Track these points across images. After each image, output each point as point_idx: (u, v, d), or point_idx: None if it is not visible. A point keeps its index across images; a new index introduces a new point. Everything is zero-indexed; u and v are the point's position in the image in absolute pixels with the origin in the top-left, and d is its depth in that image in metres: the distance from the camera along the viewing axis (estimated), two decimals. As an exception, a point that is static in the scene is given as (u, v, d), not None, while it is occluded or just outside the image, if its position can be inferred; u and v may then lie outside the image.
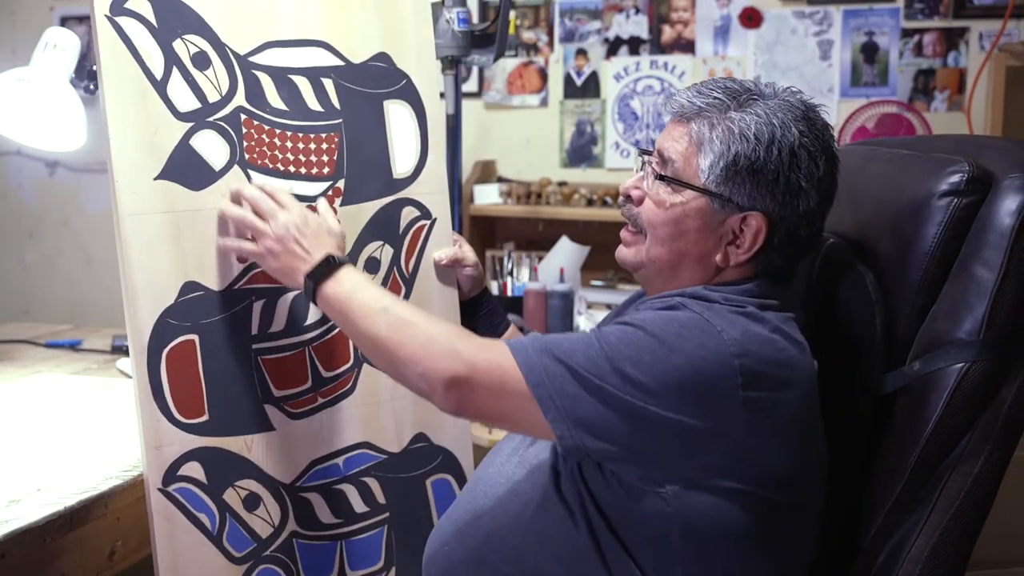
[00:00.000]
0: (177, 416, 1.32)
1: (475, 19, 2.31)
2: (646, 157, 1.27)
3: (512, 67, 3.51)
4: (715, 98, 1.18)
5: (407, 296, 1.52)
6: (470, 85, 3.50)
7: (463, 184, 2.51)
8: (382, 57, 1.50)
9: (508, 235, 3.48)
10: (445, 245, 1.55)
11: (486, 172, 3.46)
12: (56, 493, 1.29)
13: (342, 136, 1.46)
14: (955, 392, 1.07)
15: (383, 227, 1.50)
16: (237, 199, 1.34)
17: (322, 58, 1.45)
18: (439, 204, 1.55)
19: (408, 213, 1.52)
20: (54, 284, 4.00)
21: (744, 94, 1.18)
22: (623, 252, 1.28)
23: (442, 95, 2.20)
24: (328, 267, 1.27)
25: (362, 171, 1.48)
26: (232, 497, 1.36)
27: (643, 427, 1.07)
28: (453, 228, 2.19)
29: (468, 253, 1.57)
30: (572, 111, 3.47)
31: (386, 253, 1.50)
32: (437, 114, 1.55)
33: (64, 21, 3.78)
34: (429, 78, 1.55)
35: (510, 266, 2.59)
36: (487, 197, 3.35)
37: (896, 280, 1.15)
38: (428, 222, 1.54)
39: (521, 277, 2.59)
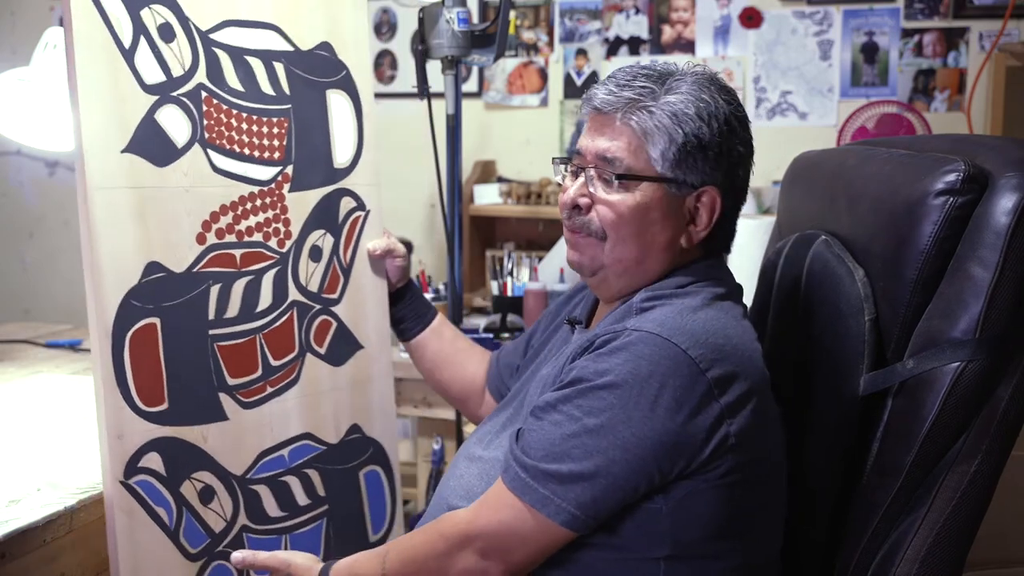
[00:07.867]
0: (139, 404, 1.29)
1: (475, 19, 2.31)
2: (575, 165, 1.24)
3: (512, 67, 3.51)
4: (641, 86, 1.18)
5: (344, 286, 1.56)
6: (470, 85, 3.51)
7: (463, 184, 2.51)
8: (325, 46, 1.54)
9: (508, 235, 3.48)
10: (377, 237, 1.60)
11: (486, 172, 3.46)
12: (56, 493, 1.29)
13: (291, 122, 1.48)
14: (951, 391, 1.07)
15: (325, 216, 1.53)
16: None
17: (274, 42, 1.48)
18: (373, 196, 1.60)
19: (346, 204, 1.56)
20: (54, 284, 4.00)
21: (665, 76, 1.19)
22: (579, 257, 1.25)
23: (442, 95, 2.20)
24: None
25: (308, 158, 1.51)
26: (188, 490, 1.34)
27: (648, 473, 1.08)
28: (453, 228, 2.20)
29: (398, 244, 1.62)
30: (572, 111, 3.47)
31: (327, 242, 1.54)
32: (371, 108, 1.59)
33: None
34: (365, 70, 1.59)
35: (510, 266, 2.59)
36: (487, 197, 3.35)
37: (892, 279, 1.15)
38: (363, 214, 1.59)
39: (521, 277, 2.59)
